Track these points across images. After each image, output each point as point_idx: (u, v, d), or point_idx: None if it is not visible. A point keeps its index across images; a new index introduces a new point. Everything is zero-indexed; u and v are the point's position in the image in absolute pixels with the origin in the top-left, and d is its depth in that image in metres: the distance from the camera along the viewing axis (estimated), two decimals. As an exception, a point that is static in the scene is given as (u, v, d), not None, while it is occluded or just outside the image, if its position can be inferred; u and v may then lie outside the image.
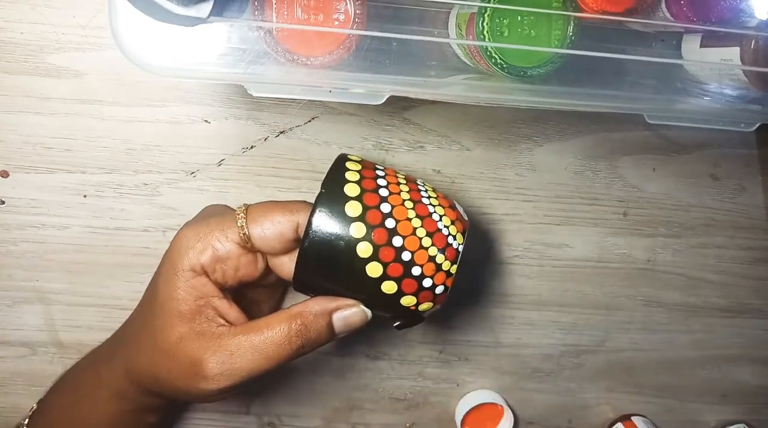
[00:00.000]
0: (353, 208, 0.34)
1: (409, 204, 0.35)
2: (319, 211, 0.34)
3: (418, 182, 0.37)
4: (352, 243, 0.34)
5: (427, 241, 0.34)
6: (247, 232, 0.37)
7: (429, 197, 0.36)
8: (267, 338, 0.35)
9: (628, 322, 0.57)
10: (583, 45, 0.38)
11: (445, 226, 0.35)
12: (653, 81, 0.43)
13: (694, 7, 0.39)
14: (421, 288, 0.35)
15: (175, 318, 0.36)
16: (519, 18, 0.38)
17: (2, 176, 0.47)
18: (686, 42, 0.43)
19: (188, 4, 0.31)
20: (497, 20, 0.37)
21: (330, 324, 0.35)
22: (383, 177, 0.36)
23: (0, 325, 0.49)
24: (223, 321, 0.37)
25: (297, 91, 0.37)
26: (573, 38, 0.38)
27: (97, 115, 0.47)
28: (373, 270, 0.34)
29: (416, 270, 0.34)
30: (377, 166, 0.37)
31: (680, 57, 0.44)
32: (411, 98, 0.48)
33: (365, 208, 0.34)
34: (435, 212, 0.35)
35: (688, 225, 0.56)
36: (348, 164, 0.36)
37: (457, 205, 0.37)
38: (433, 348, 0.54)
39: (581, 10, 0.38)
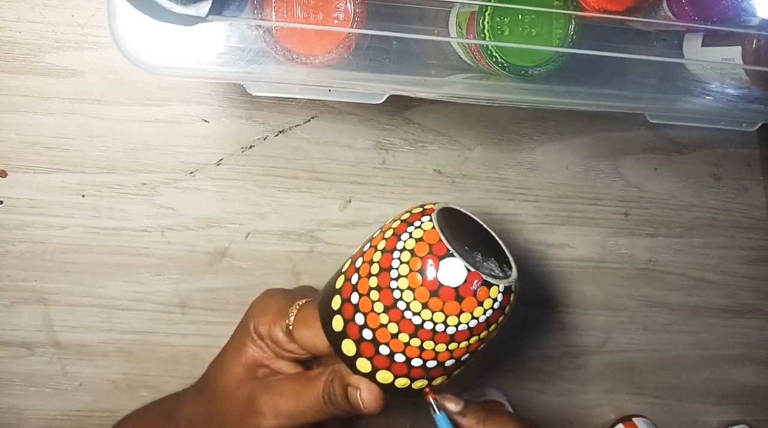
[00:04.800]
0: (337, 323, 0.35)
1: (378, 305, 0.34)
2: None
3: (394, 256, 0.35)
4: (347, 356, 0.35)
5: (394, 328, 0.34)
6: (291, 330, 0.38)
7: (398, 278, 0.34)
8: (309, 387, 0.37)
9: (629, 323, 0.57)
10: (584, 44, 0.38)
11: (406, 304, 0.33)
12: (655, 80, 0.43)
13: (695, 6, 0.39)
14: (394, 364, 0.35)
15: (239, 367, 0.39)
16: (520, 17, 0.37)
17: (1, 176, 0.46)
18: (688, 41, 0.43)
19: (187, 3, 0.31)
20: (498, 19, 0.37)
21: (346, 395, 0.36)
22: (357, 273, 0.36)
23: (-2, 326, 0.49)
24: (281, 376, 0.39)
25: (296, 90, 0.37)
26: (574, 37, 0.38)
27: (95, 115, 0.46)
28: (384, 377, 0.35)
29: (399, 357, 0.34)
30: (355, 261, 0.36)
31: (682, 56, 0.44)
32: (411, 97, 0.48)
33: (346, 322, 0.35)
34: (398, 292, 0.34)
35: (689, 225, 0.56)
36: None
37: (431, 264, 0.33)
38: (433, 348, 0.54)
39: (582, 9, 0.38)
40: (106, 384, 0.50)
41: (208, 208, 0.49)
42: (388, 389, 0.35)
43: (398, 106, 0.50)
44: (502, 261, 0.36)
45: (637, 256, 0.56)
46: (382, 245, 0.35)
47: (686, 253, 0.56)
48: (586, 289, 0.55)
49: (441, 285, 0.33)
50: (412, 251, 0.34)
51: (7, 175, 0.46)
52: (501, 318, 0.35)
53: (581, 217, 0.54)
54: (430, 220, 0.35)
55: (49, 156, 0.46)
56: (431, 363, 0.34)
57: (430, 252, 0.33)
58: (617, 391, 0.58)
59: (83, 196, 0.47)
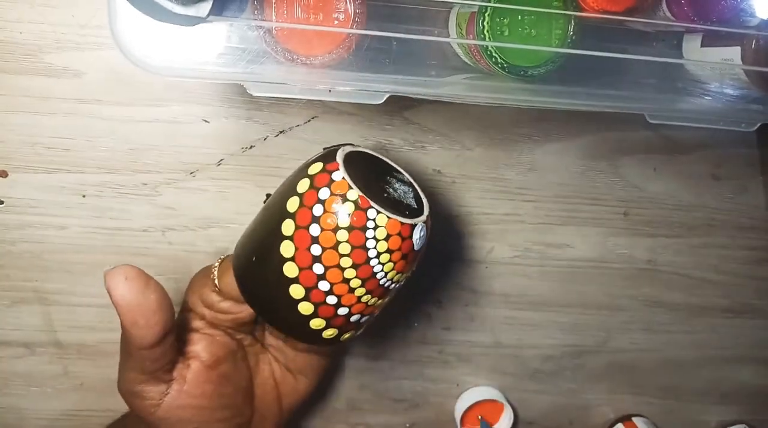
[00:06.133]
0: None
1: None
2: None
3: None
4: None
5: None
6: (216, 284, 0.39)
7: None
8: None
9: (629, 323, 0.57)
10: (584, 44, 0.38)
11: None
12: (654, 80, 0.43)
13: (694, 7, 0.39)
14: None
15: None
16: (519, 17, 0.37)
17: (1, 176, 0.47)
18: (687, 41, 0.43)
19: (187, 3, 0.31)
20: (498, 19, 0.37)
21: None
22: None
23: (-1, 326, 0.49)
24: None
25: (296, 91, 0.37)
26: (573, 37, 0.38)
27: (96, 115, 0.46)
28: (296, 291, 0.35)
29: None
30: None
31: (681, 56, 0.44)
32: (411, 98, 0.48)
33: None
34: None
35: (689, 226, 0.56)
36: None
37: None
38: (433, 348, 0.54)
39: (582, 10, 0.38)
40: (107, 383, 0.50)
41: (209, 208, 0.49)
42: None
43: (398, 106, 0.50)
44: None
45: (637, 256, 0.56)
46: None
47: (686, 253, 0.56)
48: (586, 289, 0.56)
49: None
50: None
51: (7, 175, 0.47)
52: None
53: (581, 217, 0.54)
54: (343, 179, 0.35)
55: (49, 156, 0.47)
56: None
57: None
58: (617, 391, 0.58)
59: (84, 196, 0.47)
